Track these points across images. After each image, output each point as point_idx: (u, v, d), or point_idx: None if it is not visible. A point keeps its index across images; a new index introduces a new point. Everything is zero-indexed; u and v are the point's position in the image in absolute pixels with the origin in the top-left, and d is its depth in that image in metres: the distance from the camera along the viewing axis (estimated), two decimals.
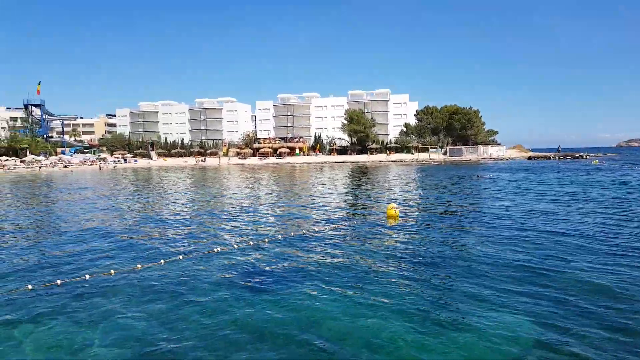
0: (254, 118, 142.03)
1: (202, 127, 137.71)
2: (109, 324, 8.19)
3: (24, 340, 7.62)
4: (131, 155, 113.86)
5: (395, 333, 7.58)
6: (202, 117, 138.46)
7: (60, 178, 60.44)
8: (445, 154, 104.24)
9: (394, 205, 19.86)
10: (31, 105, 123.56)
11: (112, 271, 11.35)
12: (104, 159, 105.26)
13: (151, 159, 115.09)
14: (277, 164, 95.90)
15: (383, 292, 9.55)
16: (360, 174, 54.33)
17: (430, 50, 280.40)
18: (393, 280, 10.38)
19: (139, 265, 11.83)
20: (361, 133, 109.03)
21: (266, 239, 14.94)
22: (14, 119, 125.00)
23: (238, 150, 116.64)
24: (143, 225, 19.15)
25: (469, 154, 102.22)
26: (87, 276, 10.91)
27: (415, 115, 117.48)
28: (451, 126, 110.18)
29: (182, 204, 27.06)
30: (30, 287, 9.99)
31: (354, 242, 14.64)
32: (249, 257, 12.77)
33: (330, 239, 15.23)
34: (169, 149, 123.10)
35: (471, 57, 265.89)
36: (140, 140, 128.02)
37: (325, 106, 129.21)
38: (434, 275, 10.75)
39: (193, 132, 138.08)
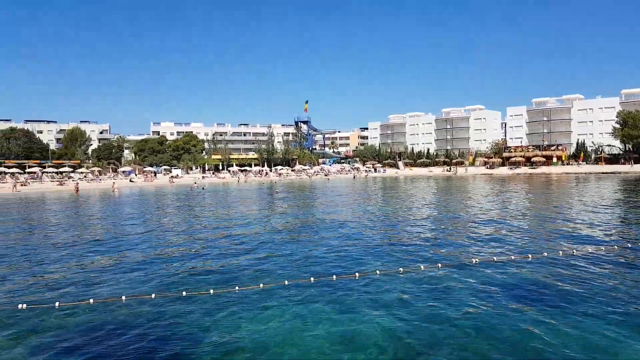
0: (504, 125, 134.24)
1: (448, 137, 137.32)
2: (356, 326, 8.64)
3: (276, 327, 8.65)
4: (380, 165, 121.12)
5: None
6: (448, 126, 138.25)
7: (320, 184, 68.52)
8: None
9: None
10: (300, 121, 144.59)
11: (377, 271, 12.03)
12: (357, 169, 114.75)
13: (398, 168, 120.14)
14: (530, 174, 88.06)
15: None
16: (638, 187, 45.23)
17: None
18: None
19: (400, 269, 12.24)
20: (639, 138, 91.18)
21: (530, 255, 13.61)
22: (287, 134, 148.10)
23: (485, 159, 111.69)
24: (398, 229, 19.93)
25: None
26: (334, 277, 11.51)
27: None
28: None
29: (430, 211, 27.16)
30: (286, 282, 11.10)
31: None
32: (510, 273, 11.86)
33: (605, 261, 12.91)
34: (414, 159, 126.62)
35: None
36: (389, 150, 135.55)
37: (591, 109, 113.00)
38: None
39: (438, 141, 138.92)
